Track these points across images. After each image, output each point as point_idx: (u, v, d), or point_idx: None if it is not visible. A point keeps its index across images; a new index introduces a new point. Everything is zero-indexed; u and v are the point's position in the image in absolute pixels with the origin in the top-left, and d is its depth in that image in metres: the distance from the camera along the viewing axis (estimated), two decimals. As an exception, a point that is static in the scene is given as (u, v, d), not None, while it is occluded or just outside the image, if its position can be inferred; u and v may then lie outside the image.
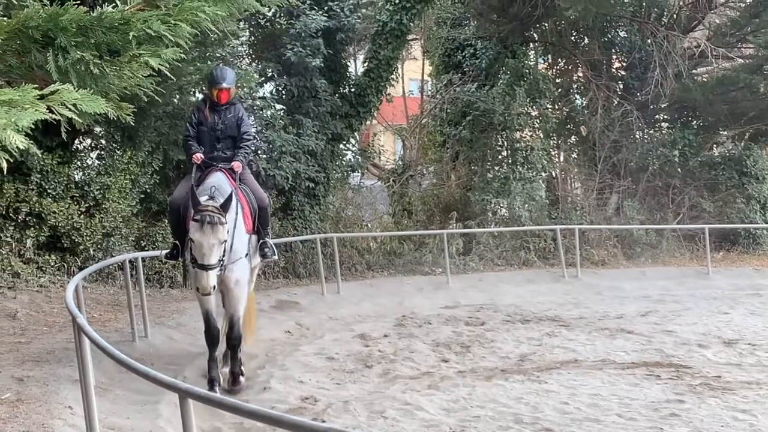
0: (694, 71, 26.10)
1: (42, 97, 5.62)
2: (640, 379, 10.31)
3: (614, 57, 26.86)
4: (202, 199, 8.62)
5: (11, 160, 5.52)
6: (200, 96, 14.96)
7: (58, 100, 5.67)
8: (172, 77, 8.49)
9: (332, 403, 9.06)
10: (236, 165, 9.51)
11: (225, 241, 8.55)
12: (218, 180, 9.13)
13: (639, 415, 8.68)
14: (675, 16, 25.79)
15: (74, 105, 5.79)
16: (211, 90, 9.69)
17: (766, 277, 20.16)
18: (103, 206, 14.60)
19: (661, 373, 10.60)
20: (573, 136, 27.08)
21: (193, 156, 9.52)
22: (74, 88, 5.86)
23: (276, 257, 10.77)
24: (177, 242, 9.47)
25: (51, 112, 5.73)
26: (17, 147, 5.16)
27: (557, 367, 10.96)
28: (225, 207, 8.53)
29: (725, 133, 27.03)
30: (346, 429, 4.03)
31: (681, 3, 25.71)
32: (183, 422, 4.72)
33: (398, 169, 25.54)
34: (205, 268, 8.38)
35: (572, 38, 26.71)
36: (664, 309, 15.88)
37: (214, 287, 8.55)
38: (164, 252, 10.16)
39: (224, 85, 9.61)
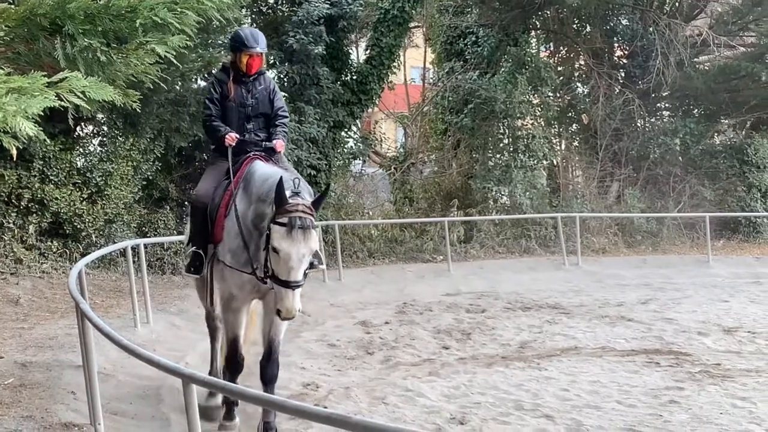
0: (695, 59, 26.10)
1: (50, 85, 5.66)
2: (640, 366, 10.36)
3: (616, 45, 26.84)
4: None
5: (20, 147, 5.57)
6: (211, 76, 13.56)
7: (66, 87, 5.71)
8: (177, 64, 8.39)
9: (334, 390, 9.11)
10: (279, 144, 7.76)
11: (316, 250, 6.64)
12: (274, 173, 6.97)
13: (639, 402, 8.73)
14: (677, 4, 25.77)
15: (82, 92, 5.82)
16: (238, 56, 7.71)
17: (766, 266, 20.19)
18: (105, 193, 14.64)
19: (660, 360, 10.65)
20: (574, 124, 27.09)
21: (226, 137, 7.54)
22: (82, 76, 5.90)
23: (324, 266, 9.37)
24: (200, 251, 7.53)
25: (60, 99, 5.77)
26: (27, 134, 5.20)
27: (557, 354, 11.00)
28: (317, 205, 6.58)
29: (726, 121, 27.05)
30: (347, 415, 4.08)
31: (683, -9, 25.68)
32: (186, 407, 4.76)
33: (400, 157, 25.59)
34: (291, 285, 6.32)
35: (574, 26, 26.69)
36: (664, 297, 15.93)
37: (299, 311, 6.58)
38: (184, 265, 7.99)
39: (258, 49, 7.68)
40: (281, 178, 6.36)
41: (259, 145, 7.72)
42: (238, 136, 7.58)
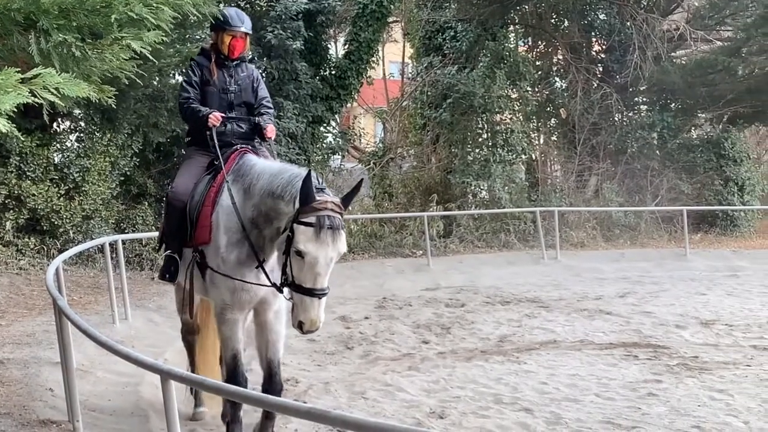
0: (673, 54, 26.24)
1: (24, 81, 5.62)
2: (618, 359, 10.41)
3: (594, 40, 26.94)
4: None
5: (-7, 143, 5.53)
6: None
7: (40, 83, 5.67)
8: (153, 59, 8.32)
9: (313, 385, 9.11)
10: (271, 129, 7.05)
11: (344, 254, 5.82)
12: (283, 166, 6.35)
13: (617, 395, 8.77)
14: (654, -2, 25.88)
15: (56, 89, 5.78)
16: (220, 36, 7.02)
17: (743, 259, 20.34)
18: (83, 189, 14.57)
19: (639, 353, 10.71)
20: (553, 119, 27.18)
21: (209, 118, 6.77)
22: (56, 71, 5.86)
23: None
24: (175, 255, 6.74)
25: (33, 95, 5.73)
26: (0, 131, 5.16)
27: (536, 348, 11.05)
28: (347, 203, 5.83)
29: (703, 115, 27.21)
30: (327, 410, 4.08)
31: (660, -15, 25.82)
32: (164, 403, 4.74)
33: (379, 152, 25.58)
34: (317, 294, 5.58)
35: (552, 21, 26.78)
36: (642, 290, 16.01)
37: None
38: (157, 272, 7.21)
39: (243, 29, 7.02)
40: (309, 172, 5.66)
41: (244, 138, 7.01)
42: (222, 115, 6.86)
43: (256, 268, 6.10)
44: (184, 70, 15.59)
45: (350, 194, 5.89)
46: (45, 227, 14.32)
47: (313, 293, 5.57)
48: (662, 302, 14.60)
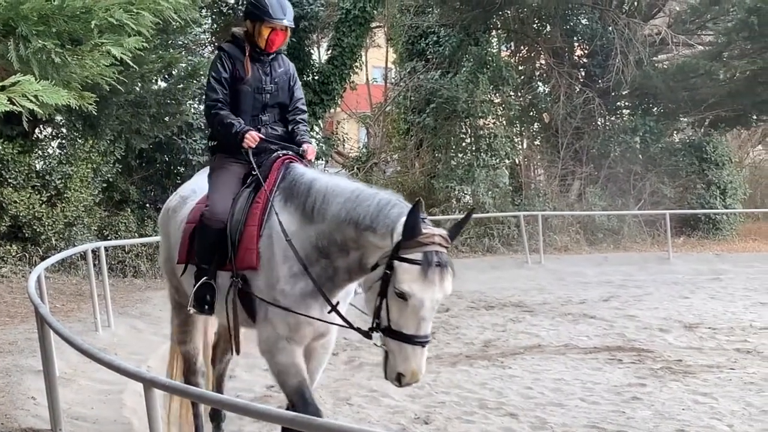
0: (654, 58, 26.38)
1: (2, 89, 5.57)
2: (603, 363, 10.42)
3: (576, 44, 27.05)
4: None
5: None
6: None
7: (19, 91, 5.61)
8: (135, 66, 8.22)
9: (298, 391, 9.07)
10: (311, 150, 6.01)
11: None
12: (357, 188, 5.36)
13: (601, 399, 8.78)
14: (636, 3, 26.00)
15: (35, 96, 5.73)
16: (257, 28, 5.85)
17: (725, 262, 20.45)
18: (65, 195, 14.50)
19: (623, 357, 10.72)
20: (536, 123, 27.27)
21: (246, 137, 5.72)
22: (36, 78, 5.81)
23: None
24: (211, 281, 5.65)
25: (12, 103, 5.68)
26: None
27: (521, 353, 11.05)
28: (454, 235, 5.01)
29: (685, 119, 27.34)
30: (312, 417, 4.06)
31: (642, -10, 25.93)
32: (148, 412, 4.71)
33: (362, 157, 25.58)
34: (420, 342, 4.82)
35: (534, 26, 26.85)
36: (625, 294, 16.06)
37: None
38: (191, 299, 5.73)
39: (285, 21, 5.84)
40: (418, 201, 4.85)
41: (281, 142, 5.96)
42: (261, 136, 5.80)
43: (330, 312, 5.34)
44: (166, 76, 15.65)
45: (459, 225, 5.10)
46: (27, 234, 14.24)
47: (415, 341, 4.80)
48: (646, 306, 14.64)
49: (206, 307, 5.63)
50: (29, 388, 8.01)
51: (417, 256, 4.70)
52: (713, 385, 9.35)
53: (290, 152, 5.86)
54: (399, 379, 4.93)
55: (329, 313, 5.34)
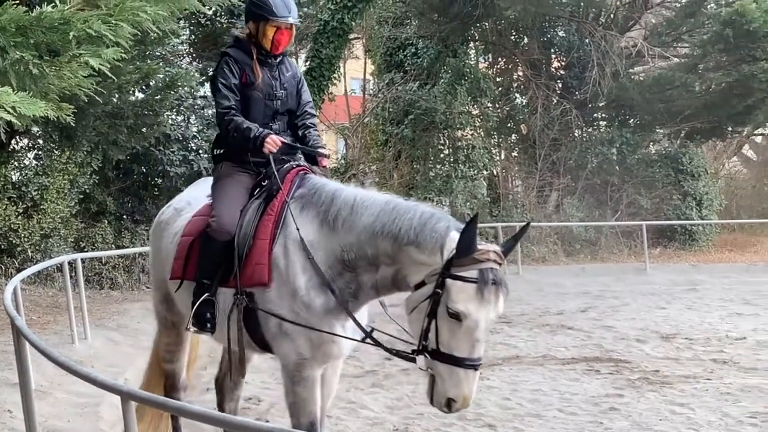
0: (631, 70, 26.59)
1: (-21, 100, 5.55)
2: (581, 374, 10.45)
3: (553, 56, 27.24)
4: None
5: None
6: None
7: (-4, 103, 5.60)
8: (112, 77, 8.15)
9: (276, 403, 9.03)
10: (325, 160, 5.73)
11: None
12: (390, 199, 5.00)
13: (579, 410, 8.79)
14: (612, 15, 26.24)
15: (13, 107, 5.70)
16: (261, 28, 5.49)
17: (701, 273, 20.58)
18: (41, 207, 14.41)
19: (600, 368, 10.75)
20: (513, 135, 27.41)
21: (266, 141, 5.31)
22: (14, 89, 5.77)
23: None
24: (213, 298, 5.28)
25: (-11, 115, 5.66)
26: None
27: (499, 363, 11.05)
28: (508, 251, 4.74)
29: (662, 131, 27.58)
30: (290, 429, 4.04)
31: (618, 3, 26.18)
32: (125, 424, 4.67)
33: (341, 168, 25.57)
34: (474, 365, 4.50)
35: (512, 38, 27.03)
36: (603, 305, 16.12)
37: None
38: (190, 318, 5.33)
39: (290, 19, 5.48)
40: (476, 216, 4.61)
41: (292, 151, 5.62)
42: (282, 140, 5.41)
43: (364, 339, 5.11)
44: (143, 87, 15.59)
45: (514, 239, 4.90)
46: (2, 246, 14.13)
47: (467, 363, 4.46)
48: (623, 316, 14.70)
49: (208, 325, 5.26)
50: (5, 401, 7.94)
51: (472, 273, 4.43)
52: (690, 395, 9.38)
53: (304, 163, 5.57)
54: (449, 405, 4.54)
55: (363, 338, 5.11)
